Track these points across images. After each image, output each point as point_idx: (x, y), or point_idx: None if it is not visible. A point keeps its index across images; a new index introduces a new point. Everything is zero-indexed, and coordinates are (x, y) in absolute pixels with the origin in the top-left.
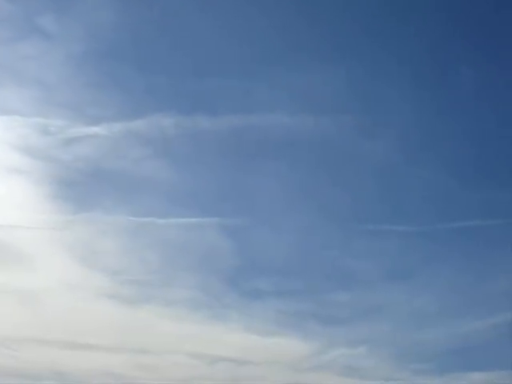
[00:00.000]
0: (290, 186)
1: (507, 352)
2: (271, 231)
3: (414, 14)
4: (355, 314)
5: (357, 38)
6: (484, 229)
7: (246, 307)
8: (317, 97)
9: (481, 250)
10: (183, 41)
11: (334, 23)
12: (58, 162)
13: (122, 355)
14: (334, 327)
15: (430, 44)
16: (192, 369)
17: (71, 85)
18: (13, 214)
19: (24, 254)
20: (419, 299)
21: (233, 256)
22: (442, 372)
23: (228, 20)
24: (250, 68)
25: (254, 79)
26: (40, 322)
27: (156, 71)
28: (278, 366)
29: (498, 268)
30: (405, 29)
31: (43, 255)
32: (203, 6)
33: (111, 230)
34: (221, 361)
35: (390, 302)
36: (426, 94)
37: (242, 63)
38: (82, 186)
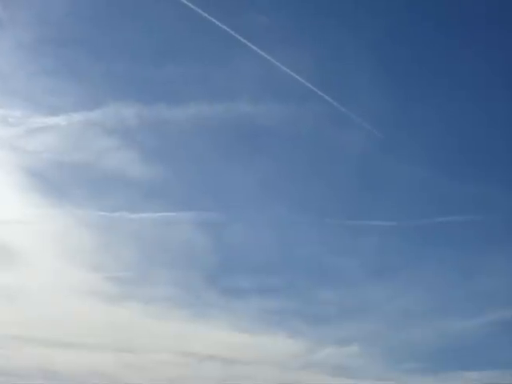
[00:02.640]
0: (263, 178)
1: (501, 351)
2: (248, 226)
3: None
4: (342, 312)
5: (322, 20)
6: (473, 224)
7: (228, 305)
8: (282, 82)
9: (470, 245)
10: (141, 26)
11: (298, 5)
12: (24, 154)
13: (108, 354)
14: (321, 325)
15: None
16: (179, 367)
17: (26, 74)
18: None
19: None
20: (408, 296)
21: (210, 252)
22: (434, 371)
23: (186, 6)
24: (210, 54)
25: (215, 66)
26: (22, 320)
27: (113, 58)
28: (266, 365)
29: (489, 264)
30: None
31: (23, 251)
32: None
33: (83, 225)
34: (208, 359)
35: (377, 299)
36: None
37: (202, 49)
38: (49, 179)
